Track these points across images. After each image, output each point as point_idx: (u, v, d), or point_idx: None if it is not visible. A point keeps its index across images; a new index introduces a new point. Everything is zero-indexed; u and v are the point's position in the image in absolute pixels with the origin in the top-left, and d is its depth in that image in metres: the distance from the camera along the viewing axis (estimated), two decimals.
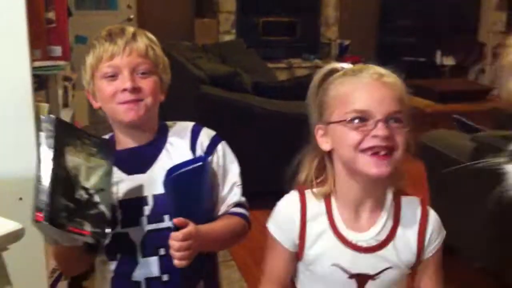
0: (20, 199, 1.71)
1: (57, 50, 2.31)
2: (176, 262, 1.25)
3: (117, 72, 1.32)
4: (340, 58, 7.33)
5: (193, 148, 1.40)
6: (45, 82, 2.22)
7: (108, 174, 1.24)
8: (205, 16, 7.20)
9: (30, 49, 1.73)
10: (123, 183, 1.35)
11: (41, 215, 1.09)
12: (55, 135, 1.15)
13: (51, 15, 2.38)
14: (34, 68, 1.80)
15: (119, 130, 1.40)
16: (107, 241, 1.26)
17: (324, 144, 1.25)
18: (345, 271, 1.24)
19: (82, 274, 2.55)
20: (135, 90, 1.32)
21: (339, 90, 1.21)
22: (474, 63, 7.69)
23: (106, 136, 1.43)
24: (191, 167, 1.30)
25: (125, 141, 1.40)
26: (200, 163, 1.33)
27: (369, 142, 1.16)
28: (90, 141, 1.22)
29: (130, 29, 1.37)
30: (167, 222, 1.34)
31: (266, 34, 7.38)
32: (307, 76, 4.77)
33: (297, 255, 1.29)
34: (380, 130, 1.15)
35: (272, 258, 1.33)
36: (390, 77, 1.21)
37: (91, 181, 1.19)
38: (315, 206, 1.27)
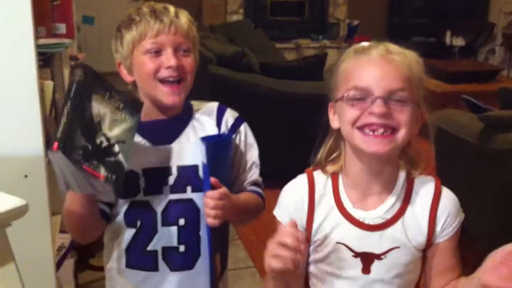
0: (26, 176, 1.71)
1: (62, 28, 2.31)
2: (209, 220, 1.30)
3: (161, 49, 1.34)
4: (349, 38, 7.29)
5: (218, 125, 1.44)
6: (50, 60, 2.21)
7: (131, 130, 1.26)
8: None
9: (34, 27, 1.71)
10: (148, 153, 1.38)
11: (57, 144, 1.12)
12: (83, 80, 1.18)
13: None
14: (38, 46, 1.79)
15: (150, 102, 1.40)
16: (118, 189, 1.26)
17: (334, 121, 1.23)
18: (350, 249, 1.21)
19: (89, 252, 2.58)
20: (178, 67, 1.34)
21: (346, 67, 1.19)
22: (484, 44, 7.62)
23: None
24: (221, 138, 1.38)
25: (153, 113, 1.41)
26: (229, 136, 1.41)
27: (365, 119, 1.13)
28: (119, 96, 1.25)
29: (172, 7, 1.38)
30: (189, 193, 1.38)
31: (274, 14, 7.34)
32: (315, 57, 4.75)
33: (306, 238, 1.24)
34: (377, 107, 1.11)
35: None
36: (399, 55, 1.17)
37: (113, 132, 1.22)
38: (322, 187, 1.25)
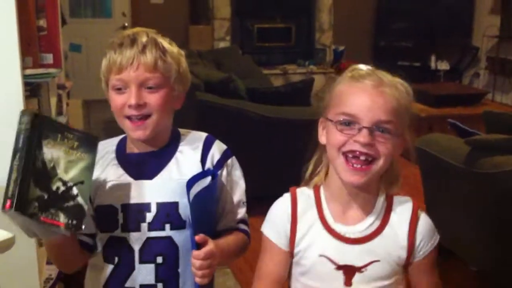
0: None
1: (49, 58, 2.31)
2: (197, 280, 1.26)
3: (125, 86, 1.30)
4: (336, 63, 7.35)
5: (203, 160, 1.39)
6: (37, 90, 2.20)
7: (89, 168, 1.24)
8: (200, 23, 7.21)
9: (21, 57, 1.71)
10: (128, 188, 1.35)
11: (9, 203, 1.09)
12: (30, 128, 1.15)
13: (42, 22, 2.38)
14: (25, 76, 1.79)
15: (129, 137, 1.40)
16: (86, 230, 1.26)
17: (322, 137, 1.29)
18: (332, 262, 1.26)
19: (76, 283, 2.54)
20: (140, 106, 1.30)
21: (340, 89, 1.25)
22: (468, 68, 7.71)
23: (119, 137, 1.44)
24: (207, 184, 1.31)
25: (136, 146, 1.39)
26: (215, 177, 1.35)
27: (350, 146, 1.20)
28: (72, 135, 1.23)
29: (143, 39, 1.31)
30: (168, 231, 1.34)
31: (261, 40, 7.39)
32: (302, 82, 4.78)
33: (290, 252, 1.30)
34: (362, 137, 1.18)
35: (267, 261, 1.33)
36: (391, 87, 1.22)
37: (69, 174, 1.20)
38: (305, 201, 1.31)
